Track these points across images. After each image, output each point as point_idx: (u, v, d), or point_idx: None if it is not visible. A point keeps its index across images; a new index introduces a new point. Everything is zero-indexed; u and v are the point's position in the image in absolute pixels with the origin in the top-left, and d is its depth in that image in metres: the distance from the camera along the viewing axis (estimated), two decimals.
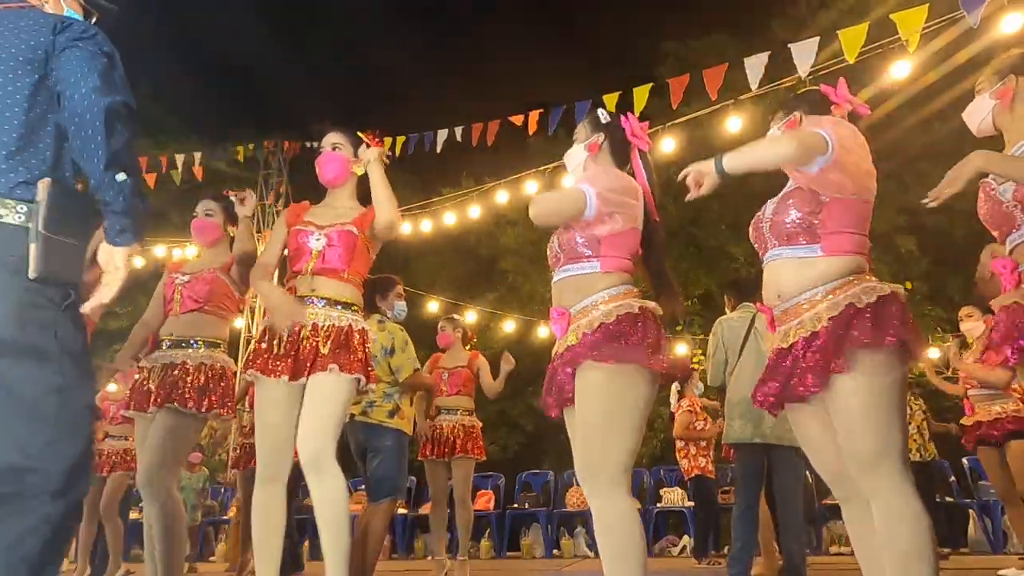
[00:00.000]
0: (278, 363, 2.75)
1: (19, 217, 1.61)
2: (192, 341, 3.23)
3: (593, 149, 2.40)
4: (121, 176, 1.66)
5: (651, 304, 2.23)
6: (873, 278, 2.00)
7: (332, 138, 2.99)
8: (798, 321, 2.01)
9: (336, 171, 2.95)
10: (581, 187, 2.21)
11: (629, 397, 2.13)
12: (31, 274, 1.58)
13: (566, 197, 2.25)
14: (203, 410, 3.12)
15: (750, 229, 2.20)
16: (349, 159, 2.96)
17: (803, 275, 2.03)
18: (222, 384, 3.21)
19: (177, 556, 3.07)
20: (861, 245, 2.04)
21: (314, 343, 2.74)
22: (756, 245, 2.20)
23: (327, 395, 2.71)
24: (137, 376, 3.30)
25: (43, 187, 1.62)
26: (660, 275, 2.37)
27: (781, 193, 2.15)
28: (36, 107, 1.68)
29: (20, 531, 1.52)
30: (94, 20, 1.97)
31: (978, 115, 2.31)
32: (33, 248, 1.59)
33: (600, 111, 2.50)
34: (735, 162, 1.96)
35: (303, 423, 2.72)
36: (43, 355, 1.59)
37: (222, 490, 9.25)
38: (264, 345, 2.84)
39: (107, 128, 1.64)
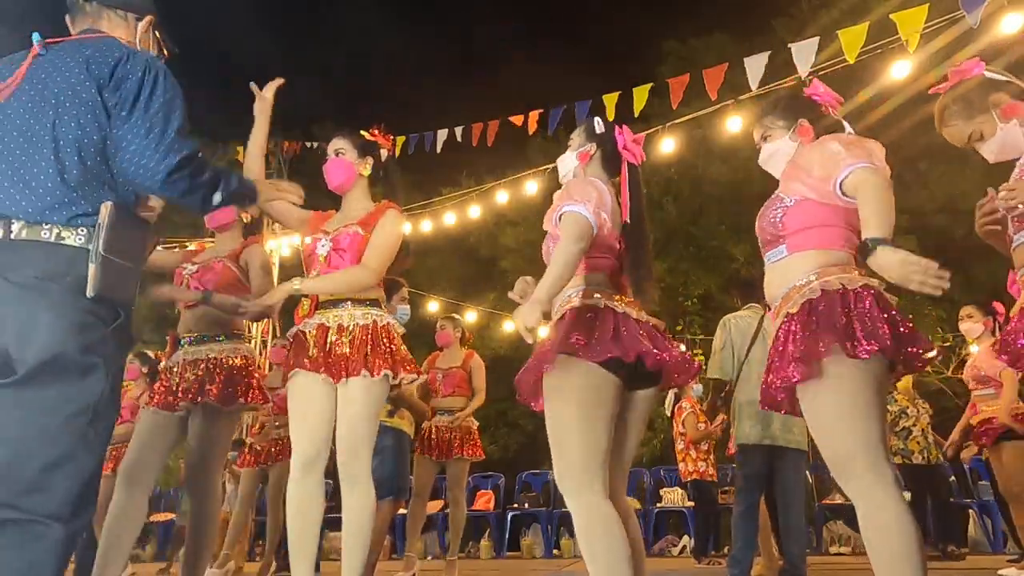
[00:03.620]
0: (312, 363, 2.75)
1: (79, 239, 1.65)
2: (216, 336, 3.19)
3: (583, 159, 2.39)
4: (217, 198, 1.83)
5: (591, 301, 2.16)
6: (854, 271, 1.94)
7: (335, 144, 2.97)
8: (777, 322, 2.03)
9: (341, 178, 2.94)
10: (576, 211, 2.15)
11: (573, 396, 2.10)
12: (89, 292, 1.62)
13: (573, 235, 2.12)
14: (241, 403, 3.11)
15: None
16: (354, 163, 2.95)
17: (779, 277, 2.04)
18: (255, 375, 3.20)
19: (207, 557, 3.11)
20: (837, 237, 1.99)
21: (342, 345, 2.75)
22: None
23: (357, 402, 2.72)
24: (145, 372, 3.29)
25: (105, 210, 1.66)
26: (633, 266, 2.29)
27: (767, 200, 2.14)
28: (98, 140, 1.71)
29: (31, 559, 1.51)
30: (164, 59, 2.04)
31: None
32: (92, 268, 1.62)
33: (596, 120, 2.47)
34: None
35: (339, 432, 2.73)
36: (86, 374, 1.62)
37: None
38: (296, 351, 2.82)
39: (192, 196, 1.78)
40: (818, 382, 1.87)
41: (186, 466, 3.14)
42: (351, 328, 2.77)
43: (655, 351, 2.12)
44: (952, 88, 2.21)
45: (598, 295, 2.19)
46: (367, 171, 2.96)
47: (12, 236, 1.63)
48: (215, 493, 3.09)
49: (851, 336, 1.82)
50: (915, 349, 1.88)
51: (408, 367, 2.80)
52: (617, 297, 2.21)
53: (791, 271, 2.00)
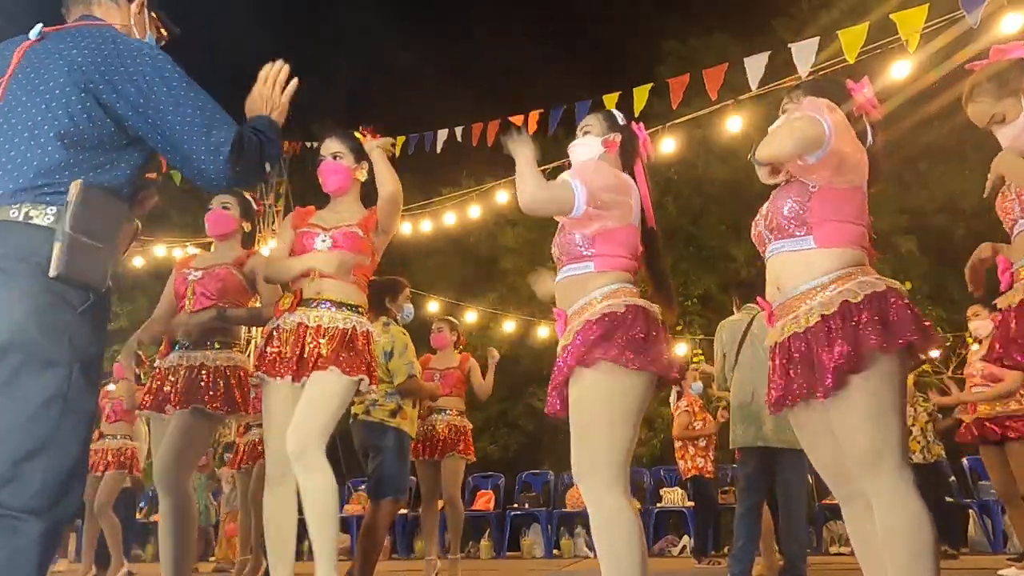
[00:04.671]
0: (282, 364, 2.74)
1: (47, 219, 1.59)
2: (210, 343, 3.18)
3: (611, 147, 2.38)
4: (267, 168, 1.87)
5: (640, 302, 2.19)
6: (872, 272, 1.97)
7: (332, 146, 2.94)
8: (793, 316, 1.99)
9: (339, 182, 2.92)
10: (572, 184, 2.15)
11: (617, 396, 2.11)
12: (51, 272, 1.55)
13: (556, 195, 2.16)
14: (225, 411, 3.10)
15: (751, 229, 2.18)
16: (351, 167, 2.93)
17: (799, 267, 2.00)
18: (244, 385, 3.18)
19: (186, 554, 3.05)
20: (857, 236, 1.99)
21: (317, 344, 2.72)
22: (757, 245, 2.17)
23: (323, 392, 2.69)
24: (138, 374, 3.28)
25: (74, 188, 1.60)
26: (660, 278, 2.37)
27: (776, 188, 2.12)
28: (86, 130, 1.66)
29: (7, 555, 1.45)
30: (163, 43, 2.01)
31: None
32: (57, 247, 1.55)
33: (616, 112, 2.50)
34: (760, 153, 1.96)
35: (294, 417, 2.68)
36: (54, 361, 1.55)
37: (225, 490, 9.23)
38: (269, 347, 2.82)
39: (253, 176, 1.84)
40: (855, 379, 1.87)
41: (156, 463, 3.11)
42: (331, 330, 2.73)
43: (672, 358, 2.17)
44: (988, 66, 2.20)
45: (635, 299, 2.20)
46: (363, 176, 2.95)
47: None
48: (187, 491, 3.05)
49: (889, 335, 1.85)
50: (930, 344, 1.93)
51: (371, 376, 2.78)
52: (645, 300, 2.23)
53: (814, 265, 1.97)
